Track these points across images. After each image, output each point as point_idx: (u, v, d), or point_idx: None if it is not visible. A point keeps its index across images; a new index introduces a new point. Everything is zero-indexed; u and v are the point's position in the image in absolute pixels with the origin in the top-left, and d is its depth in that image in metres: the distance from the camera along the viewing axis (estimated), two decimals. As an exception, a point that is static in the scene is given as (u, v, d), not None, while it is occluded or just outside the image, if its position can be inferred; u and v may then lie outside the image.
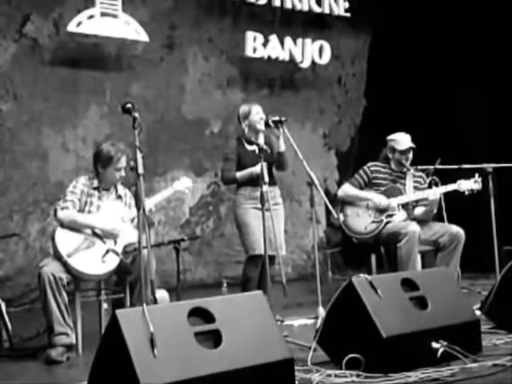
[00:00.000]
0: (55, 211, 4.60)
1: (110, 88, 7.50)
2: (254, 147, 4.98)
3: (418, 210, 5.60)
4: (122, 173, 4.68)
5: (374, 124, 8.32)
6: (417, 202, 5.60)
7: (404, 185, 5.62)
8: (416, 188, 5.62)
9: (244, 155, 5.30)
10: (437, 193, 5.43)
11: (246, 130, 5.32)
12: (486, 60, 7.94)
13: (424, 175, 5.78)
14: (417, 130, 5.86)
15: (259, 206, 4.94)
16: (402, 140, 5.60)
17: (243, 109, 5.38)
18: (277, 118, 4.97)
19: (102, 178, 4.70)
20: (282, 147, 5.24)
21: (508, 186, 6.90)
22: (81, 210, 4.61)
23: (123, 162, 4.65)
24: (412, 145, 5.57)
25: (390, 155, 5.65)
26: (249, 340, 3.22)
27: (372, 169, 5.66)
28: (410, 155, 5.61)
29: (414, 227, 5.32)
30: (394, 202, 5.52)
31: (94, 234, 4.54)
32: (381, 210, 5.52)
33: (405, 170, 5.62)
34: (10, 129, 6.99)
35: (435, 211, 5.61)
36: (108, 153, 4.63)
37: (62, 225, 4.50)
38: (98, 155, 4.68)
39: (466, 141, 7.80)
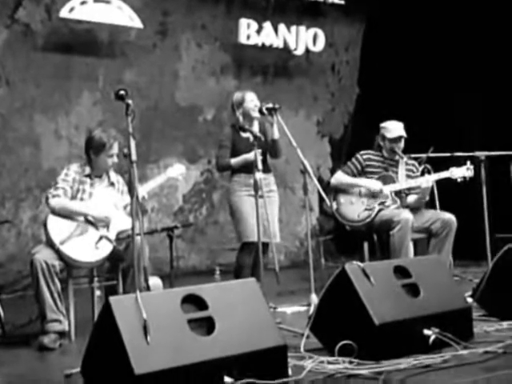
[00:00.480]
0: (47, 199, 4.58)
1: (103, 74, 7.46)
2: (249, 135, 4.97)
3: (411, 198, 5.62)
4: (115, 159, 4.67)
5: (368, 111, 8.31)
6: (409, 190, 5.61)
7: (396, 173, 5.62)
8: (408, 176, 5.63)
9: (238, 142, 5.29)
10: (429, 181, 5.44)
11: (241, 117, 5.31)
12: (480, 48, 7.94)
13: (416, 163, 5.80)
14: (410, 118, 5.85)
15: (253, 192, 4.95)
16: (392, 128, 5.60)
17: (237, 96, 5.36)
18: (271, 106, 4.96)
19: (95, 165, 4.68)
20: (276, 135, 5.23)
21: (500, 174, 6.92)
22: (73, 198, 4.59)
23: (115, 149, 4.64)
24: (402, 133, 5.57)
25: (382, 143, 5.66)
26: (242, 327, 3.23)
27: (365, 157, 5.66)
28: (401, 144, 5.60)
29: (406, 215, 5.33)
30: (387, 189, 5.53)
31: (87, 220, 4.53)
32: (374, 196, 5.53)
33: (397, 157, 5.63)
34: (2, 115, 6.96)
35: (427, 199, 5.63)
36: (100, 139, 4.61)
37: (54, 212, 4.49)
38: (89, 142, 4.66)
39: (459, 129, 7.81)
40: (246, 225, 5.19)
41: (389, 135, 5.59)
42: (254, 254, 5.20)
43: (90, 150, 4.65)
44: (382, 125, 5.66)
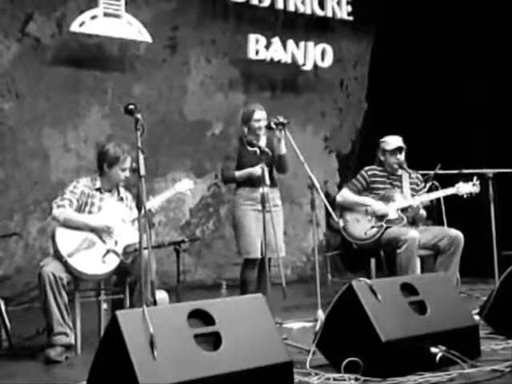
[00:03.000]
0: (51, 209, 4.60)
1: (112, 88, 7.51)
2: (256, 149, 4.98)
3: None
4: (127, 173, 4.70)
5: (375, 128, 8.32)
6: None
7: (401, 188, 5.62)
8: (413, 190, 5.63)
9: (245, 155, 5.29)
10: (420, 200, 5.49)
11: (246, 131, 5.33)
12: (489, 66, 7.95)
13: (420, 177, 5.79)
14: (418, 134, 5.86)
15: (258, 207, 4.96)
16: (391, 141, 5.61)
17: (246, 112, 5.37)
18: (279, 121, 4.95)
19: (107, 178, 4.71)
20: (283, 150, 5.24)
21: (508, 192, 6.91)
22: (80, 211, 4.61)
23: (128, 163, 4.67)
24: (401, 144, 5.57)
25: (382, 157, 5.66)
26: (248, 342, 3.22)
27: (370, 173, 5.65)
28: (401, 156, 5.58)
29: (413, 233, 5.31)
30: (394, 206, 5.51)
31: (94, 232, 4.54)
32: (380, 216, 5.52)
33: (400, 172, 5.62)
34: (11, 128, 7.00)
35: (424, 213, 5.60)
36: (115, 153, 4.65)
37: (59, 223, 4.50)
38: (103, 155, 4.69)
39: (467, 145, 7.81)
40: (248, 240, 5.18)
41: (388, 147, 5.60)
42: (257, 268, 5.20)
43: (103, 163, 4.68)
44: (382, 140, 5.68)
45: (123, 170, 4.68)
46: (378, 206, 5.53)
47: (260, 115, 5.30)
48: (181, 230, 8.00)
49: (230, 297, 4.36)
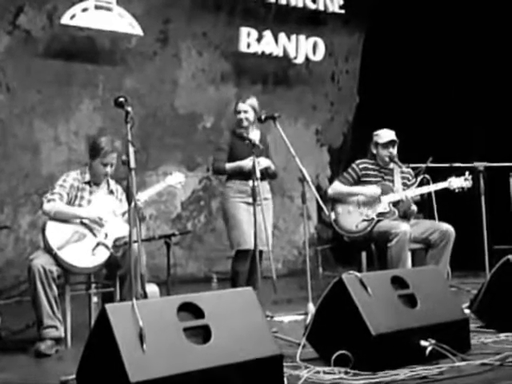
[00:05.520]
0: (41, 204, 4.58)
1: (103, 81, 7.48)
2: (246, 142, 4.97)
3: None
4: (108, 169, 4.63)
5: (367, 121, 8.31)
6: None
7: (392, 181, 5.62)
8: (404, 184, 5.63)
9: (237, 147, 5.27)
10: (414, 192, 5.48)
11: (235, 123, 5.32)
12: (481, 59, 7.96)
13: (411, 171, 5.79)
14: (409, 128, 5.86)
15: (247, 200, 4.96)
16: (384, 134, 5.61)
17: (235, 104, 5.37)
18: (269, 115, 4.92)
19: (91, 171, 4.68)
20: (265, 165, 5.22)
21: (499, 185, 6.92)
22: (70, 204, 4.59)
23: (111, 159, 4.61)
24: (393, 138, 5.56)
25: (374, 150, 5.64)
26: (238, 336, 3.22)
27: (361, 166, 5.65)
28: (393, 150, 5.57)
29: (404, 227, 5.31)
30: (385, 200, 5.52)
31: (84, 225, 4.52)
32: (372, 205, 5.50)
33: (392, 166, 5.62)
34: (2, 121, 6.97)
35: (415, 208, 5.60)
36: (99, 144, 4.60)
37: (50, 217, 4.48)
38: (90, 145, 4.72)
39: (459, 139, 7.82)
40: (239, 232, 5.18)
41: (380, 141, 5.59)
42: (249, 261, 5.19)
43: (88, 153, 4.67)
44: (375, 133, 5.68)
45: (104, 164, 4.61)
46: (369, 190, 5.52)
47: (241, 107, 5.27)
48: (172, 224, 7.99)
49: (220, 290, 4.36)
